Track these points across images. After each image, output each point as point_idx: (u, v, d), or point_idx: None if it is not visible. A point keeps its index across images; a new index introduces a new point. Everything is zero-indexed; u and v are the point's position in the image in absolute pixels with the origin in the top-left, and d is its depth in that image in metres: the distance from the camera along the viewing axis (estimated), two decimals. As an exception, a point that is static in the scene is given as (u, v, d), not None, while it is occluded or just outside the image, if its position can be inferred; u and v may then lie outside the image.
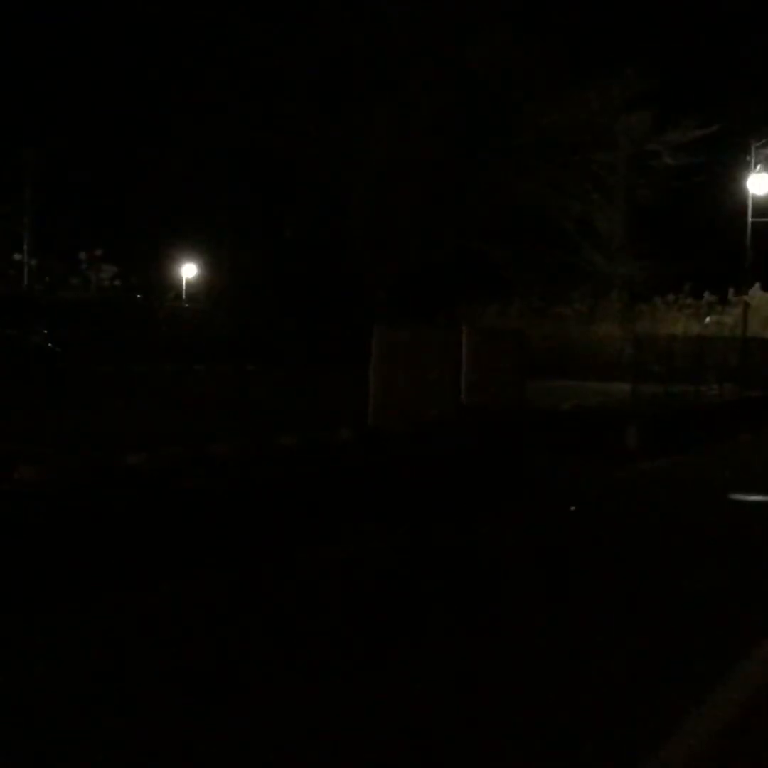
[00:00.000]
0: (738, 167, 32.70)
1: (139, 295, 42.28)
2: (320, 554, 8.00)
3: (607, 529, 9.69)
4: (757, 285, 39.78)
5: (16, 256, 37.19)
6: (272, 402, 17.06)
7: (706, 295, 41.69)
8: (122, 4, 34.66)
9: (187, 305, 45.60)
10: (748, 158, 32.05)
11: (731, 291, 39.19)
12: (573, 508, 10.71)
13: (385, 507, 9.54)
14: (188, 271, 52.78)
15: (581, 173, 30.31)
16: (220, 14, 28.94)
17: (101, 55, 36.25)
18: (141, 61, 34.27)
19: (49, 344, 23.61)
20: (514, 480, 11.82)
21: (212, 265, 49.04)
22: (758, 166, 31.73)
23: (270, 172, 31.38)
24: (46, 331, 24.04)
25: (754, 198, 31.90)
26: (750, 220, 31.88)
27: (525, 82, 27.41)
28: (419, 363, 13.66)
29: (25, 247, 38.56)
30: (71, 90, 38.13)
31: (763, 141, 31.74)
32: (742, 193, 32.41)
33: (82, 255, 38.13)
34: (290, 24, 27.84)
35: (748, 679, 5.42)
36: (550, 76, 27.42)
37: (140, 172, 36.77)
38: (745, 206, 32.09)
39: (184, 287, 50.32)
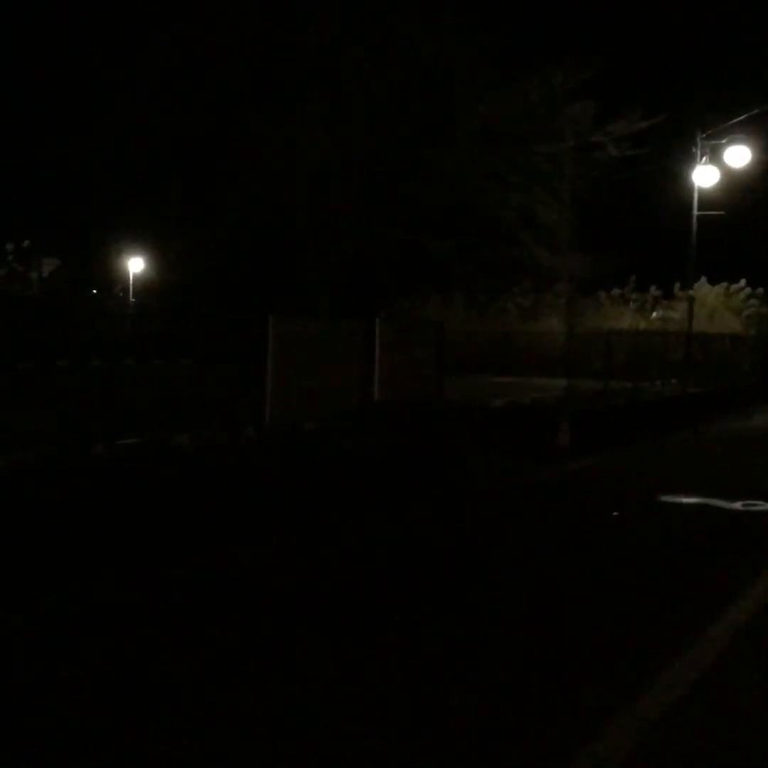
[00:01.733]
0: (684, 159, 32.18)
1: (95, 291, 41.34)
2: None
3: (506, 537, 8.85)
4: (704, 279, 39.36)
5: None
6: (185, 399, 16.16)
7: (652, 289, 41.25)
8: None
9: (133, 300, 44.71)
10: (694, 150, 31.52)
11: (677, 285, 38.75)
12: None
13: (262, 514, 8.68)
14: (135, 265, 51.71)
15: (523, 165, 29.61)
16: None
17: (28, 35, 35.07)
18: (72, 42, 33.20)
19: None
20: (417, 481, 10.96)
21: (157, 259, 48.07)
22: (704, 158, 31.21)
23: (209, 162, 30.45)
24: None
25: (700, 191, 31.38)
26: (696, 213, 31.36)
27: (464, 70, 26.64)
28: (322, 356, 12.83)
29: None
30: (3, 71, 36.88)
31: (709, 132, 31.21)
32: (688, 186, 31.89)
33: (9, 246, 36.95)
34: (220, 11, 26.88)
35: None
36: (490, 65, 26.65)
37: (80, 160, 35.65)
38: (691, 199, 31.56)
39: (130, 281, 49.32)
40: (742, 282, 42.01)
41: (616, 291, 40.31)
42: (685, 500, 11.50)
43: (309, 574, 7.06)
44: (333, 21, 26.19)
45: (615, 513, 10.43)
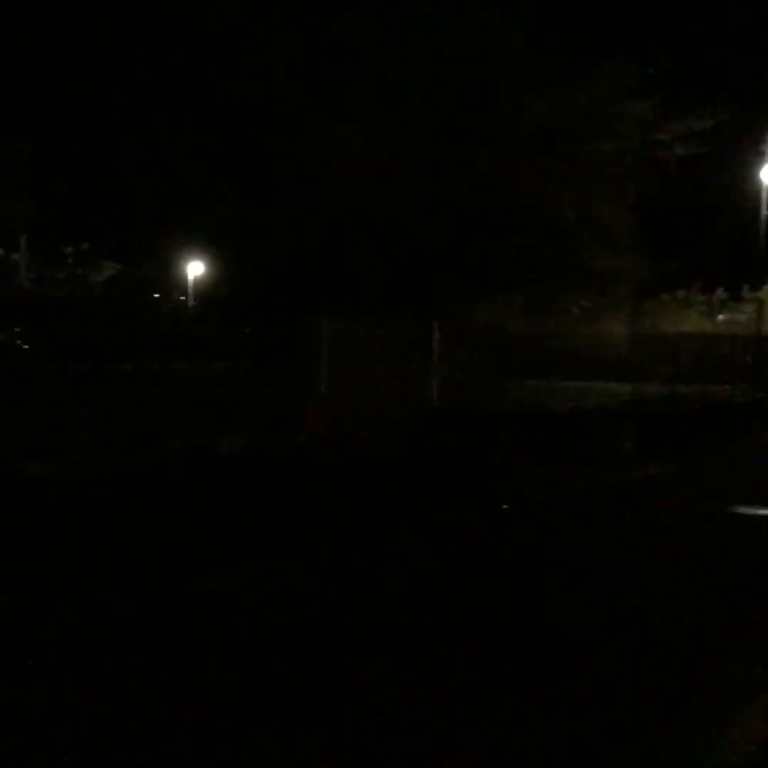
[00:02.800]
0: (752, 158, 31.32)
1: (156, 295, 41.53)
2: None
3: (559, 548, 8.29)
4: (773, 281, 38.36)
5: (-1, 252, 36.25)
6: (237, 403, 15.88)
7: (719, 291, 40.32)
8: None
9: (193, 303, 44.90)
10: (762, 148, 30.67)
11: (745, 287, 37.80)
12: (505, 506, 9.32)
13: (308, 523, 8.26)
14: (195, 269, 51.87)
15: (583, 164, 28.95)
16: (206, 10, 27.84)
17: (94, 44, 35.20)
18: (132, 52, 33.24)
19: (17, 342, 22.50)
20: (476, 489, 10.46)
21: (215, 264, 48.14)
22: (773, 157, 30.38)
23: (260, 165, 30.24)
24: (17, 329, 22.93)
25: (769, 190, 30.56)
26: (765, 213, 30.52)
27: (521, 66, 26.07)
28: (377, 359, 12.41)
29: (23, 242, 37.62)
30: (64, 79, 37.11)
31: (778, 130, 30.37)
32: (756, 185, 31.04)
33: (69, 250, 37.15)
34: (270, 15, 26.63)
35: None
36: (548, 61, 26.04)
37: (139, 165, 35.73)
38: (759, 199, 30.71)
39: (190, 285, 49.50)
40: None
41: (680, 293, 39.44)
42: (762, 512, 10.89)
43: (362, 586, 6.62)
44: (379, 18, 25.84)
45: (685, 523, 9.87)
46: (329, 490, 9.48)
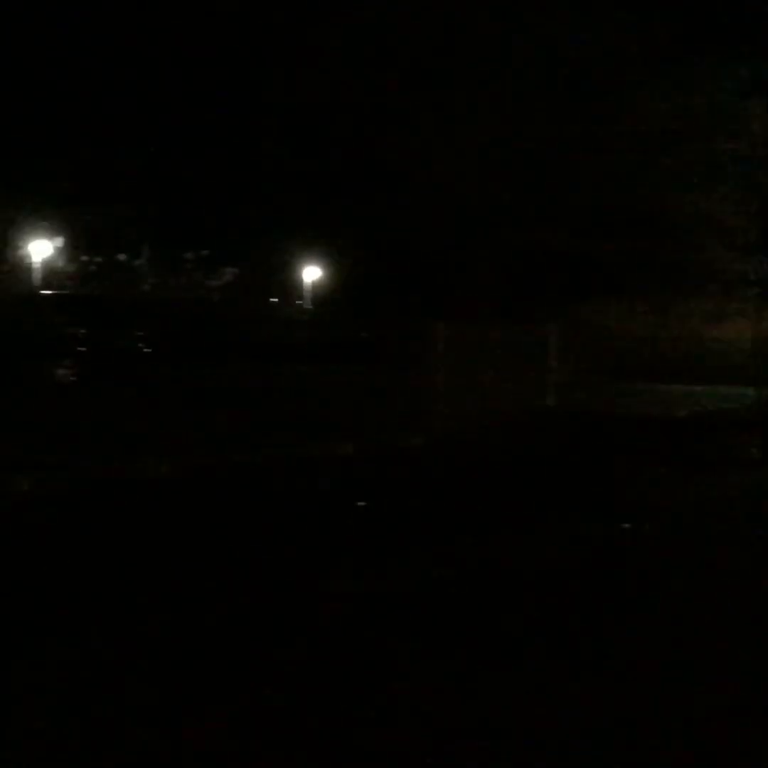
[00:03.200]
0: None
1: (274, 299, 42.17)
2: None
3: (663, 560, 7.95)
4: None
5: (120, 257, 37.07)
6: (353, 404, 15.94)
7: None
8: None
9: (309, 308, 45.40)
10: None
11: None
12: (627, 525, 9.07)
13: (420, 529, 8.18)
14: (312, 273, 52.50)
15: (705, 164, 28.23)
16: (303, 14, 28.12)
17: (208, 48, 35.91)
18: (247, 59, 33.81)
19: (140, 345, 23.05)
20: (593, 494, 10.23)
21: (331, 268, 48.60)
22: None
23: (377, 169, 30.40)
24: (140, 333, 23.49)
25: None
26: None
27: (636, 62, 25.56)
28: (492, 362, 12.29)
29: (145, 248, 38.51)
30: (183, 87, 37.90)
31: None
32: None
33: (189, 256, 37.89)
34: (390, 16, 26.72)
35: None
36: (665, 56, 25.48)
37: (259, 172, 36.32)
38: None
39: (307, 290, 50.09)
40: None
41: (808, 295, 38.10)
42: None
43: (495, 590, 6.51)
44: (496, 17, 25.65)
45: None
46: (446, 492, 9.41)
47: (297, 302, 46.41)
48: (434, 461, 10.58)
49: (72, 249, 37.08)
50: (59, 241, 36.60)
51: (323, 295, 46.69)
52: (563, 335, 14.18)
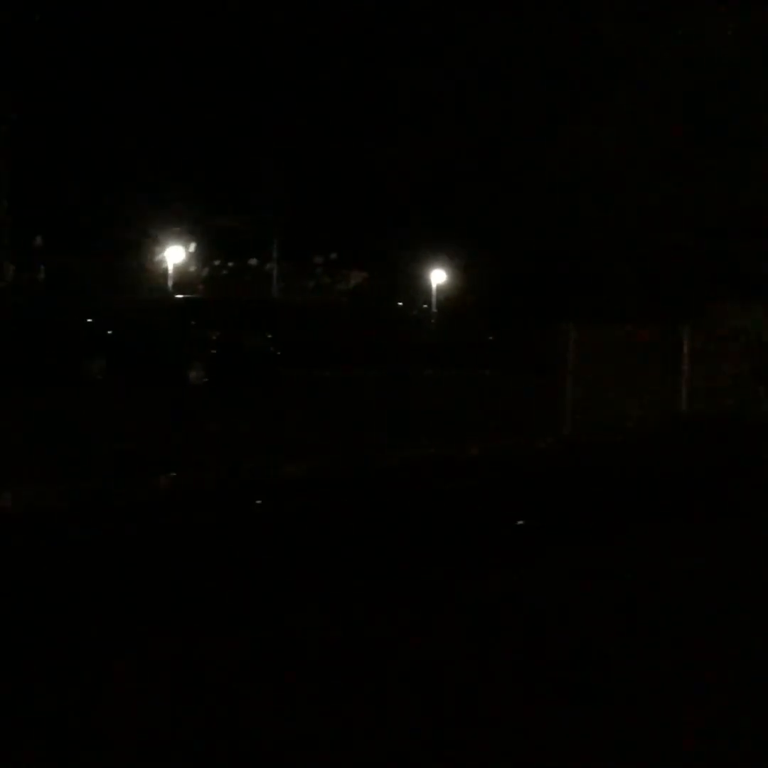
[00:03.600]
0: None
1: (400, 303, 42.34)
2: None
3: None
4: None
5: (251, 261, 37.76)
6: (479, 408, 15.85)
7: None
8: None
9: (434, 311, 45.39)
10: None
11: None
12: None
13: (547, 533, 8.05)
14: (438, 276, 52.52)
15: None
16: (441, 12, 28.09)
17: (336, 56, 36.32)
18: (374, 59, 34.05)
19: (270, 348, 23.35)
20: (733, 504, 9.87)
21: (458, 270, 48.54)
22: None
23: (508, 170, 30.19)
24: (269, 335, 23.82)
25: None
26: None
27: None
28: (623, 365, 12.05)
29: (275, 253, 39.15)
30: (312, 94, 38.41)
31: None
32: None
33: (318, 259, 38.33)
34: (514, 15, 26.53)
35: None
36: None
37: (387, 176, 36.57)
38: None
39: (433, 293, 50.13)
40: None
41: None
42: None
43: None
44: (635, 19, 25.24)
45: None
46: (576, 495, 9.25)
47: (424, 305, 46.44)
48: (559, 464, 10.43)
49: (205, 254, 37.96)
50: (192, 246, 37.52)
51: (449, 297, 46.65)
52: (698, 338, 13.81)
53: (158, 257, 37.07)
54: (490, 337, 34.32)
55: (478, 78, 29.13)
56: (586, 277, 29.25)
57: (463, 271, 43.49)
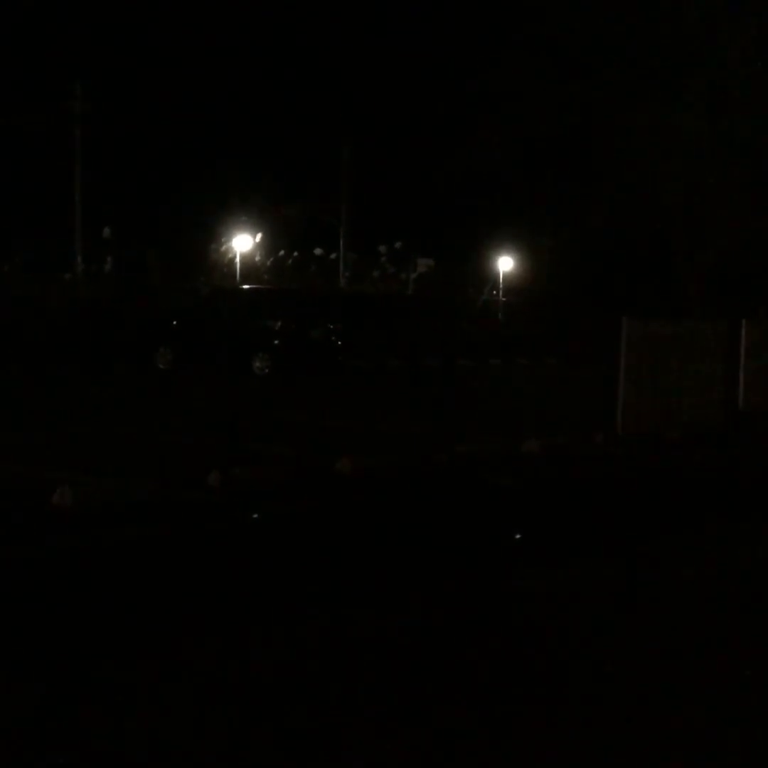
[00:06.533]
0: None
1: (470, 290, 42.22)
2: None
3: None
4: None
5: (317, 251, 37.87)
6: (538, 400, 15.88)
7: None
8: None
9: (503, 299, 45.15)
10: None
11: None
12: None
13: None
14: (505, 264, 52.15)
15: None
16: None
17: (407, 50, 36.38)
18: (443, 44, 33.99)
19: (333, 338, 23.49)
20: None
21: (525, 258, 48.22)
22: None
23: (578, 158, 30.00)
24: (332, 326, 23.96)
25: None
26: None
27: None
28: (680, 360, 11.98)
29: (341, 242, 39.25)
30: (379, 88, 38.51)
31: None
32: None
33: (382, 249, 38.36)
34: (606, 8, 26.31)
35: None
36: None
37: (451, 164, 36.51)
38: None
39: (500, 280, 49.85)
40: None
41: None
42: None
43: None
44: (708, 3, 24.89)
45: None
46: (632, 492, 9.26)
47: (493, 292, 46.18)
48: (614, 460, 10.43)
49: (270, 243, 38.19)
50: (258, 236, 37.79)
51: (516, 286, 46.38)
52: (755, 333, 13.67)
53: (225, 247, 37.42)
54: (553, 329, 34.18)
55: (556, 62, 28.91)
56: (655, 267, 28.94)
57: (532, 259, 43.25)
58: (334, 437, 11.28)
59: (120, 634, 5.37)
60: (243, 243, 37.02)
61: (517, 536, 7.73)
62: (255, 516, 8.12)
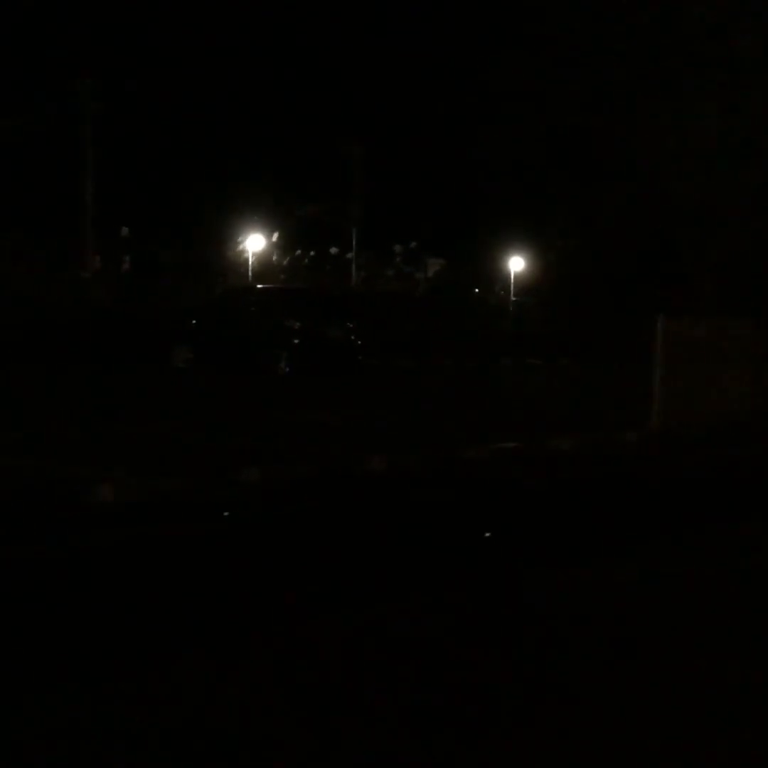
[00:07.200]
0: None
1: (476, 290, 42.23)
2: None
3: None
4: None
5: (332, 250, 37.90)
6: (561, 400, 15.82)
7: None
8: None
9: (513, 298, 45.18)
10: None
11: None
12: None
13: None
14: (516, 264, 52.18)
15: None
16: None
17: (426, 54, 36.43)
18: (462, 45, 33.98)
19: (352, 337, 23.45)
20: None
21: (536, 258, 48.22)
22: None
23: (589, 157, 29.89)
24: (349, 325, 23.91)
25: None
26: None
27: None
28: (713, 358, 11.94)
29: (354, 242, 39.27)
30: (392, 87, 38.51)
31: None
32: None
33: (397, 248, 38.38)
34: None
35: None
36: None
37: (463, 164, 36.52)
38: None
39: (511, 280, 49.86)
40: None
41: None
42: None
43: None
44: (713, 6, 24.87)
45: None
46: (673, 490, 9.21)
47: (501, 293, 46.22)
48: (650, 459, 10.39)
49: (286, 243, 38.23)
50: (275, 236, 37.83)
51: (527, 286, 46.38)
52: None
53: (240, 247, 37.43)
54: (569, 328, 34.17)
55: (565, 61, 28.87)
56: (672, 267, 28.88)
57: (544, 259, 43.21)
58: (364, 436, 11.25)
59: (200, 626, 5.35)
60: (256, 242, 37.07)
61: (562, 533, 7.69)
62: (292, 512, 8.10)
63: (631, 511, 8.42)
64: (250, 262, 36.34)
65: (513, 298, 45.00)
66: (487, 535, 7.59)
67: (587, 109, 29.18)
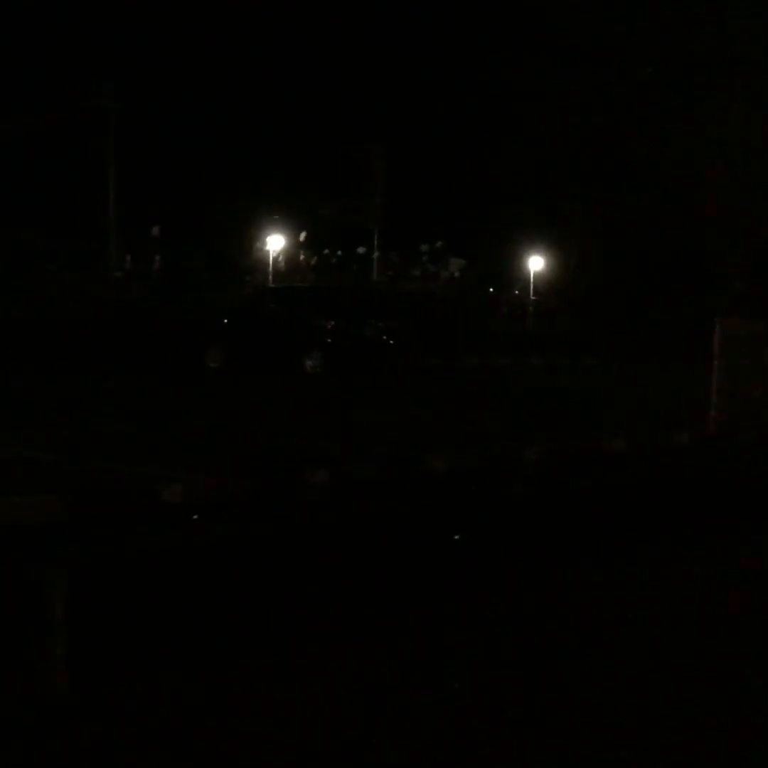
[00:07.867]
0: None
1: (491, 289, 42.27)
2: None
3: None
4: None
5: (360, 250, 37.97)
6: (600, 400, 15.86)
7: None
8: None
9: (533, 298, 45.20)
10: None
11: None
12: None
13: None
14: (535, 263, 52.17)
15: None
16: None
17: (453, 59, 36.50)
18: (485, 48, 34.02)
19: (384, 336, 23.52)
20: None
21: (556, 258, 48.20)
22: None
23: (615, 158, 29.96)
24: (380, 324, 23.97)
25: None
26: None
27: None
28: (765, 360, 11.98)
29: (376, 240, 39.30)
30: (420, 87, 38.58)
31: None
32: None
33: (424, 247, 38.46)
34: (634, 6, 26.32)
35: None
36: None
37: (486, 165, 36.60)
38: None
39: (531, 280, 49.87)
40: None
41: None
42: None
43: None
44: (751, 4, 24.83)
45: None
46: (735, 492, 9.28)
47: (517, 292, 46.19)
48: (704, 461, 10.44)
49: (314, 242, 38.35)
50: (303, 235, 37.96)
51: (547, 285, 46.38)
52: None
53: (266, 247, 37.57)
54: (593, 327, 34.17)
55: (592, 63, 28.87)
56: (690, 268, 28.91)
57: (565, 260, 43.23)
58: (415, 436, 11.31)
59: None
60: (277, 242, 37.24)
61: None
62: (364, 513, 8.20)
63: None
64: (278, 261, 36.46)
65: (532, 298, 45.04)
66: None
67: (612, 111, 29.23)
